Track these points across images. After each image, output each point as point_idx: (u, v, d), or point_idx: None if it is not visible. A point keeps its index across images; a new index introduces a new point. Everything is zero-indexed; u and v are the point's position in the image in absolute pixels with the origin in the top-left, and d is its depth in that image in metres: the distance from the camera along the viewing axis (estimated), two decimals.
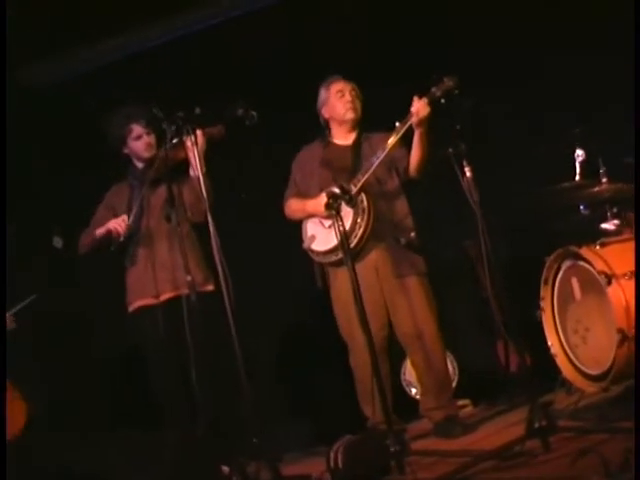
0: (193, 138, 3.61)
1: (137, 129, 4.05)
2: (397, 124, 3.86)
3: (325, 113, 4.16)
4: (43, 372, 4.82)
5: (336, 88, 4.11)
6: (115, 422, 4.72)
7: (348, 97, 4.09)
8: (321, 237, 4.01)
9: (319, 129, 4.21)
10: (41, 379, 4.70)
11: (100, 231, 4.01)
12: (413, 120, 3.80)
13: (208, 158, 3.71)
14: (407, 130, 3.86)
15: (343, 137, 4.16)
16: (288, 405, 4.98)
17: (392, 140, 3.85)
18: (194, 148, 3.62)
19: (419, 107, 3.78)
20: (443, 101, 3.69)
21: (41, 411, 4.44)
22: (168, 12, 4.87)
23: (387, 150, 3.86)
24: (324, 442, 4.00)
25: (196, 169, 3.68)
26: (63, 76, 5.12)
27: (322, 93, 4.15)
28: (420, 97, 3.78)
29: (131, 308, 4.05)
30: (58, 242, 4.90)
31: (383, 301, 3.98)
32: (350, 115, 4.09)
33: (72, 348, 4.95)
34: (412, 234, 3.94)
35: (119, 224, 3.93)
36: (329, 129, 4.19)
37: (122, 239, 3.94)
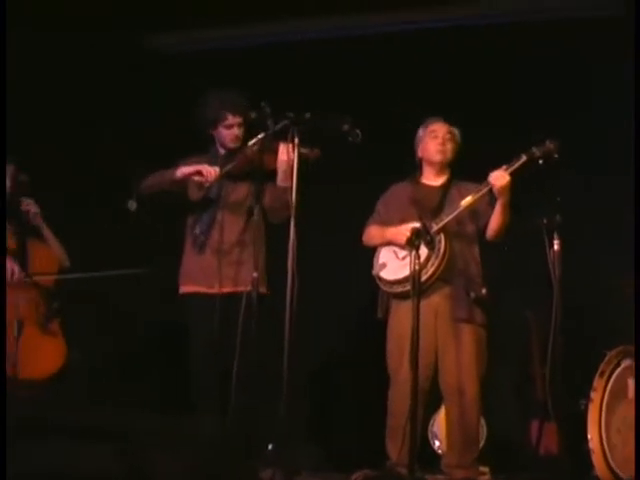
0: (294, 141, 3.59)
1: (231, 118, 4.01)
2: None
3: (419, 152, 4.16)
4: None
5: (432, 128, 4.12)
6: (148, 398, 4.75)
7: (440, 139, 4.08)
8: (392, 267, 4.01)
9: (413, 167, 4.20)
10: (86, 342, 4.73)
11: (188, 169, 3.89)
12: (494, 190, 3.83)
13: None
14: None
15: (433, 178, 4.15)
16: (315, 424, 4.97)
17: (469, 200, 3.87)
18: (290, 153, 3.56)
19: (497, 176, 3.82)
20: (541, 162, 3.72)
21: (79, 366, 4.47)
22: (309, 13, 4.93)
23: (468, 204, 3.88)
24: (338, 469, 3.99)
25: (284, 180, 3.66)
26: (193, 48, 5.22)
27: (419, 132, 4.16)
28: (500, 167, 3.81)
29: (184, 290, 4.05)
30: (132, 205, 4.95)
31: (435, 344, 3.95)
32: (438, 157, 4.09)
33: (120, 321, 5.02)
34: (483, 291, 3.91)
35: (213, 170, 3.85)
36: (421, 169, 4.19)
37: (207, 185, 3.85)
